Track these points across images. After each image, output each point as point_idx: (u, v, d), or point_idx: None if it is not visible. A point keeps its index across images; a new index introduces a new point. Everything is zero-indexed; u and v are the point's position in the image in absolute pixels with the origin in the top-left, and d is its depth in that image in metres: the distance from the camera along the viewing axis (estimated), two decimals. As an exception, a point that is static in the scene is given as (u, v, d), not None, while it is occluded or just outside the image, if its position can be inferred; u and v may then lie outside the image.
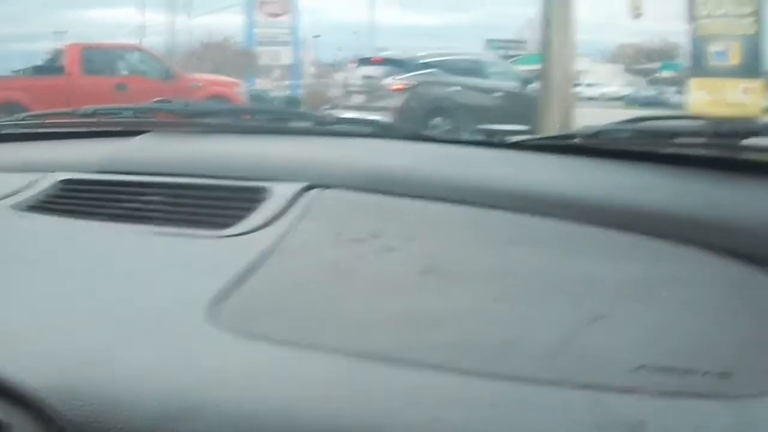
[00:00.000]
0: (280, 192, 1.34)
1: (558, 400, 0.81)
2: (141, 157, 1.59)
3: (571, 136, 1.60)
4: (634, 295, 1.03)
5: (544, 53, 11.79)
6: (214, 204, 1.33)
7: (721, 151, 1.43)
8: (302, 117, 2.01)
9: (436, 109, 13.47)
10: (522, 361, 0.87)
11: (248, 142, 1.70)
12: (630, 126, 1.53)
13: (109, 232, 1.28)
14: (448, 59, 14.76)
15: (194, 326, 0.94)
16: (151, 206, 1.37)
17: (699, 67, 11.86)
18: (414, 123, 11.47)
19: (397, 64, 14.59)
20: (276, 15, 27.53)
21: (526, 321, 0.96)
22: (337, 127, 1.84)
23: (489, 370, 0.85)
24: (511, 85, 14.61)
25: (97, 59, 16.08)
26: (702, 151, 1.44)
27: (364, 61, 15.78)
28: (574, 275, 1.08)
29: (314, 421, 0.79)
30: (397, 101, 13.47)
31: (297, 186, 1.35)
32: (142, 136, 1.69)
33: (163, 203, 1.37)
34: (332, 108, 14.53)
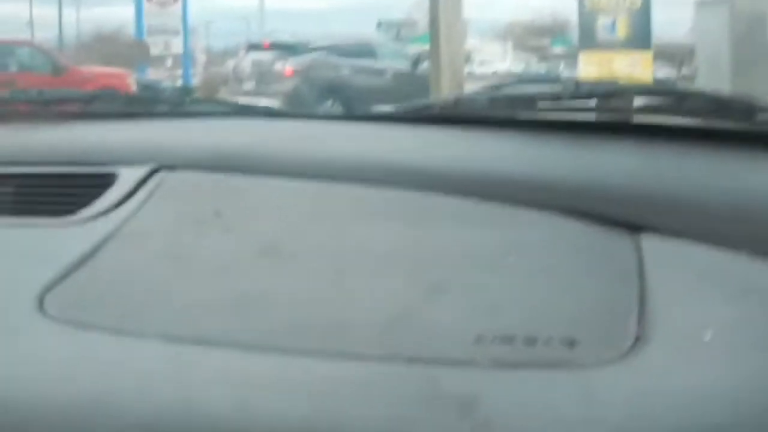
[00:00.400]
0: (127, 176, 1.29)
1: (386, 376, 0.77)
2: None
3: (430, 106, 1.57)
4: (480, 263, 0.99)
5: (433, 32, 11.82)
6: (58, 192, 1.29)
7: (579, 115, 1.41)
8: (159, 99, 1.94)
9: (327, 92, 13.44)
10: (353, 339, 0.83)
11: (101, 128, 1.63)
12: (490, 93, 1.50)
13: None
14: (338, 42, 14.76)
15: (22, 317, 0.90)
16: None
17: (588, 41, 12.04)
18: (306, 106, 11.42)
19: (287, 49, 14.58)
20: (165, 4, 27.19)
21: (360, 298, 0.93)
22: (191, 109, 1.78)
23: (317, 349, 0.81)
24: (402, 65, 14.68)
25: (-15, 56, 15.69)
26: (560, 115, 1.42)
27: (254, 47, 15.69)
28: (417, 247, 1.05)
29: (134, 408, 0.75)
30: (288, 85, 13.41)
31: (144, 169, 1.31)
32: None
33: (9, 194, 1.32)
34: (224, 95, 14.41)
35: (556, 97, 1.44)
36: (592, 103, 1.40)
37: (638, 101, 1.40)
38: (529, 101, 1.46)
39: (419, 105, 1.63)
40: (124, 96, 2.02)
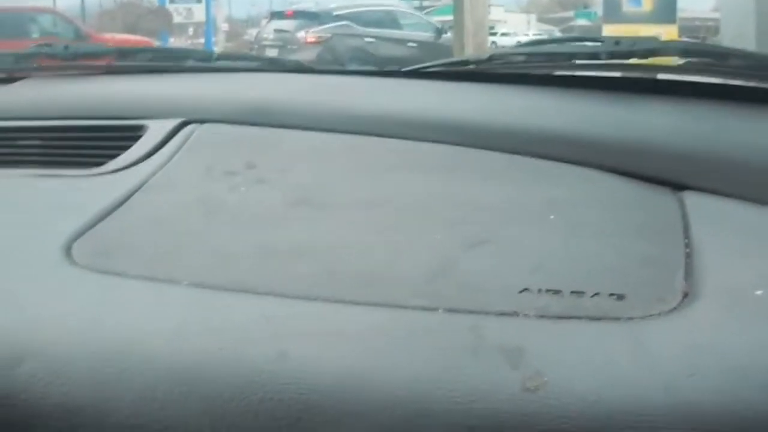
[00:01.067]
0: (156, 129, 1.29)
1: (430, 325, 0.75)
2: (17, 103, 1.52)
3: (465, 62, 1.54)
4: (521, 217, 0.97)
5: (457, 3, 11.75)
6: (88, 144, 1.29)
7: (617, 72, 1.38)
8: (186, 55, 1.92)
9: (350, 61, 13.38)
10: (393, 289, 0.81)
11: (129, 82, 1.63)
12: (525, 50, 1.47)
13: None
14: (361, 11, 14.68)
15: (49, 264, 0.89)
16: (26, 150, 1.32)
17: (613, 13, 11.95)
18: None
19: (310, 17, 14.49)
20: (189, -28, 27.15)
21: (399, 249, 0.90)
22: (219, 64, 1.75)
23: (352, 298, 0.79)
24: (426, 35, 14.61)
25: (8, 23, 15.70)
26: (598, 72, 1.39)
27: (277, 15, 15.63)
28: (455, 200, 1.03)
29: (161, 354, 0.74)
30: (310, 54, 13.34)
31: (173, 122, 1.30)
32: (20, 81, 1.62)
33: (38, 146, 1.33)
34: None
35: (595, 55, 1.41)
36: (632, 61, 1.37)
37: (679, 60, 1.37)
38: (568, 58, 1.43)
39: (454, 61, 1.60)
40: (151, 50, 1.99)
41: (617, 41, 1.39)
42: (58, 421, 0.71)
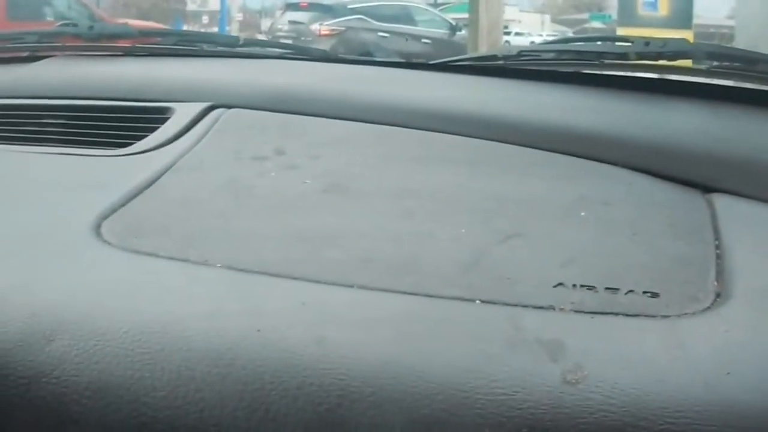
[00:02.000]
0: (183, 112, 1.29)
1: (466, 316, 0.75)
2: (42, 81, 1.52)
3: (493, 57, 1.54)
4: (551, 213, 0.97)
5: (473, 1, 11.72)
6: (114, 125, 1.28)
7: (647, 73, 1.38)
8: (211, 40, 1.92)
9: (363, 55, 13.35)
10: (426, 278, 0.81)
11: (154, 64, 1.63)
12: (554, 47, 1.47)
13: (4, 154, 1.21)
14: (376, 5, 14.63)
15: (78, 243, 0.89)
16: (50, 128, 1.32)
17: (628, 16, 11.88)
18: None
19: (324, 10, 14.44)
20: (204, -40, 27.16)
21: (431, 239, 0.90)
22: (246, 49, 1.75)
23: (388, 285, 0.79)
24: (440, 32, 14.56)
25: (23, 5, 15.65)
26: (627, 72, 1.39)
27: (292, 6, 15.58)
28: (484, 193, 1.02)
29: (197, 334, 0.73)
30: (324, 47, 13.30)
31: (200, 106, 1.30)
32: (45, 60, 1.63)
33: (63, 125, 1.33)
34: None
35: (624, 56, 1.41)
36: (662, 62, 1.37)
37: (708, 63, 1.37)
38: (597, 57, 1.43)
39: (482, 55, 1.60)
40: (176, 33, 1.99)
41: (647, 42, 1.39)
42: (91, 400, 0.71)
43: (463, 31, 13.34)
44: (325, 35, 13.80)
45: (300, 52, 1.81)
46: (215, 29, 25.50)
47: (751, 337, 0.72)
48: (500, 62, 1.49)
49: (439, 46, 13.75)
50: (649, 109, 1.25)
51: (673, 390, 0.65)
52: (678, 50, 1.37)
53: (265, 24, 17.40)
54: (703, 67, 1.38)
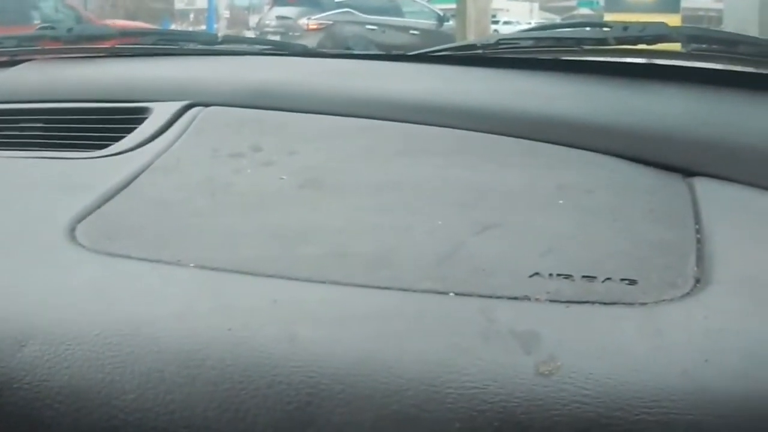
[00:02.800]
0: (160, 111, 1.28)
1: (440, 309, 0.74)
2: (21, 85, 1.52)
3: (472, 46, 1.53)
4: (529, 202, 0.97)
5: (461, -10, 11.72)
6: (92, 126, 1.28)
7: (625, 57, 1.37)
8: (190, 38, 1.91)
9: (351, 48, 13.32)
10: (402, 272, 0.80)
11: (133, 65, 1.62)
12: (533, 34, 1.46)
13: None
14: (363, -2, 14.61)
15: (51, 246, 0.88)
16: (29, 132, 1.32)
17: (615, 2, 11.90)
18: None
19: (312, 4, 14.40)
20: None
21: (408, 231, 0.89)
22: (226, 47, 1.74)
23: (362, 281, 0.79)
24: (428, 23, 14.55)
25: (10, 9, 15.61)
26: (606, 58, 1.38)
27: (279, 2, 15.55)
28: (463, 184, 1.02)
29: (168, 336, 0.72)
30: (312, 41, 13.27)
31: (178, 105, 1.30)
32: (23, 64, 1.62)
33: (42, 129, 1.32)
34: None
35: (603, 41, 1.40)
36: (641, 46, 1.36)
37: (688, 46, 1.36)
38: (575, 44, 1.42)
39: (461, 45, 1.59)
40: (155, 33, 1.98)
41: (625, 27, 1.38)
42: (63, 404, 0.70)
43: (451, 22, 13.32)
44: (313, 29, 13.77)
45: (279, 48, 1.80)
46: (203, 27, 25.44)
47: (731, 323, 0.71)
48: (479, 51, 1.48)
49: (427, 37, 13.73)
50: (630, 95, 1.24)
51: (649, 379, 0.65)
52: (657, 34, 1.36)
53: (253, 20, 17.33)
54: (683, 50, 1.37)
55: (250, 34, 16.27)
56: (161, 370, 0.70)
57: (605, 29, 1.46)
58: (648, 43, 1.36)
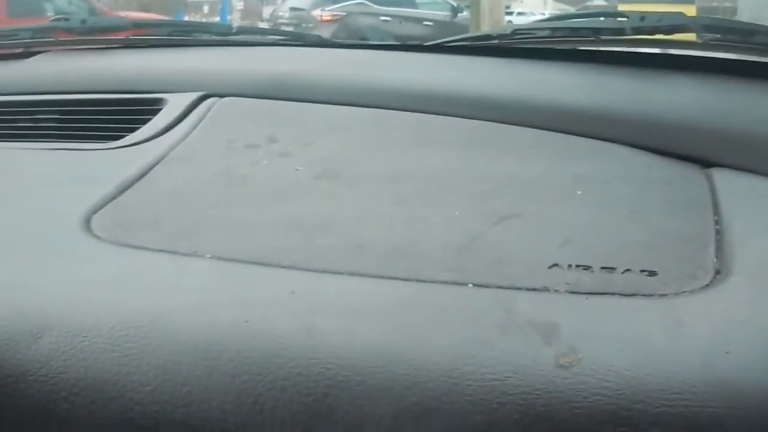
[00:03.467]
0: (175, 102, 1.28)
1: (459, 300, 0.74)
2: (35, 76, 1.52)
3: (488, 37, 1.52)
4: (547, 193, 0.96)
5: (475, -19, 11.67)
6: (107, 118, 1.28)
7: (643, 48, 1.36)
8: (204, 29, 1.91)
9: (365, 39, 13.30)
10: (420, 263, 0.80)
11: (147, 56, 1.62)
12: (549, 24, 1.46)
13: None
14: (377, -11, 14.57)
15: (67, 238, 0.88)
16: (44, 124, 1.32)
17: (629, -8, 11.81)
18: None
19: (326, -5, 14.38)
20: (204, -51, 27.09)
21: (425, 222, 0.89)
22: (240, 38, 1.74)
23: (379, 272, 0.78)
24: (442, 14, 14.51)
25: (24, 1, 15.64)
26: (623, 48, 1.38)
27: (295, -7, 15.53)
28: (480, 174, 1.01)
29: (184, 327, 0.72)
30: (326, 32, 13.25)
31: (193, 95, 1.30)
32: (38, 56, 1.62)
33: (57, 120, 1.33)
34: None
35: (620, 31, 1.39)
36: (658, 36, 1.36)
37: (705, 36, 1.35)
38: (591, 34, 1.41)
39: (477, 35, 1.59)
40: (170, 24, 1.98)
41: (643, 17, 1.37)
42: (78, 397, 0.70)
43: (465, 13, 13.28)
44: (327, 21, 13.76)
45: (294, 39, 1.80)
46: (216, 19, 25.41)
47: (751, 314, 0.71)
48: (495, 41, 1.47)
49: (441, 28, 13.69)
50: (647, 85, 1.23)
51: (670, 371, 0.64)
52: (674, 24, 1.35)
53: (267, 12, 17.32)
54: (700, 40, 1.36)
55: (263, 25, 16.24)
56: (178, 362, 0.69)
57: (622, 19, 1.45)
58: (665, 34, 1.35)
